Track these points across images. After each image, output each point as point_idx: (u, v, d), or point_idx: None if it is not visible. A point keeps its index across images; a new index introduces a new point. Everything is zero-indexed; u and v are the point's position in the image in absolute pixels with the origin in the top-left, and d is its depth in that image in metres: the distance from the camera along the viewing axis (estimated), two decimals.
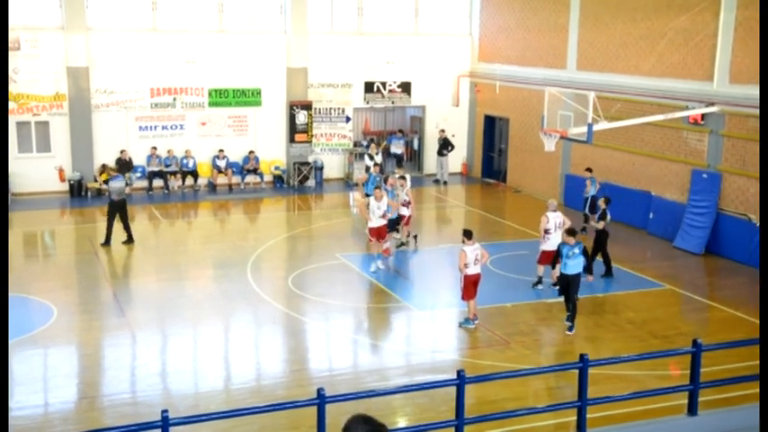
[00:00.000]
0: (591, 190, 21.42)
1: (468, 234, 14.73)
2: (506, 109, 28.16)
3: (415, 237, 20.13)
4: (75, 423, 11.27)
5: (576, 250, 14.55)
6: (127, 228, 20.04)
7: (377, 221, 17.97)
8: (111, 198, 19.86)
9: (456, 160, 30.05)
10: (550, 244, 16.62)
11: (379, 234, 18.03)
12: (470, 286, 14.60)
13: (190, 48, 26.50)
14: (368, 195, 20.66)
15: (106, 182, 20.46)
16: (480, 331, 14.71)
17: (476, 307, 14.91)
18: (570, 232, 14.78)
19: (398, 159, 28.48)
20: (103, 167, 26.00)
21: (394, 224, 19.18)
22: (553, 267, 15.90)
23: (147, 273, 18.25)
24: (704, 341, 9.70)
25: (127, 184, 21.61)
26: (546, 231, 16.67)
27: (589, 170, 21.82)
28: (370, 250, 18.53)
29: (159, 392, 12.26)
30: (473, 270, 14.60)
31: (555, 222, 16.68)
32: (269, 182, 27.74)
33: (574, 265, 14.55)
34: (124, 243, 19.86)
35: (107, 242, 19.72)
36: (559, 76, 24.70)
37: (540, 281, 16.95)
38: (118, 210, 19.83)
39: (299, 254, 20.11)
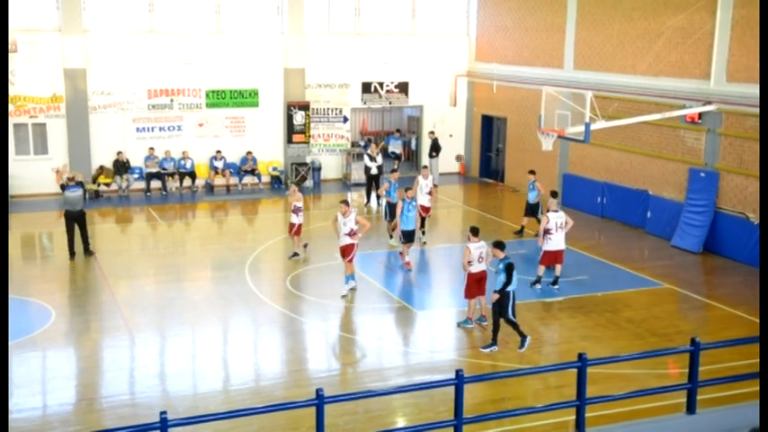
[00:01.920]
0: (531, 195, 20.80)
1: (474, 231, 14.76)
2: (504, 109, 28.18)
3: (305, 245, 19.42)
4: (74, 425, 11.27)
5: (501, 266, 13.75)
6: (85, 239, 18.97)
7: (343, 239, 16.48)
8: (66, 208, 18.84)
9: (453, 160, 30.06)
10: (552, 244, 16.67)
11: (345, 253, 16.48)
12: (473, 284, 14.60)
13: (187, 49, 26.50)
14: (392, 203, 20.05)
15: (63, 188, 19.02)
16: (478, 331, 14.72)
17: (484, 306, 14.92)
18: (498, 245, 14.07)
19: (396, 160, 28.45)
20: (101, 169, 26.04)
21: (411, 235, 18.34)
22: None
23: (146, 274, 18.24)
24: (702, 339, 9.72)
25: (86, 195, 19.73)
26: (547, 231, 16.68)
27: (532, 172, 21.12)
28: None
29: (158, 394, 12.26)
30: (477, 268, 14.59)
31: (556, 222, 16.70)
32: (266, 183, 27.74)
33: (498, 281, 13.81)
34: (86, 255, 18.91)
35: (72, 256, 18.83)
36: (557, 76, 24.72)
37: (538, 280, 16.96)
38: (74, 220, 18.80)
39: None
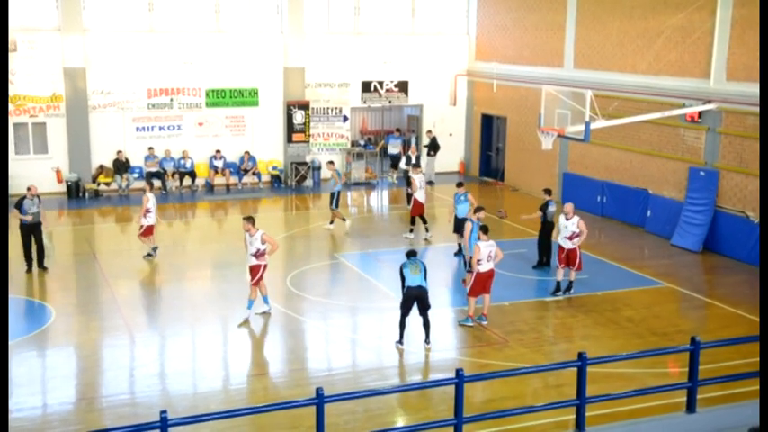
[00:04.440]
0: (461, 209, 18.68)
1: (484, 230, 14.78)
2: (504, 108, 28.17)
3: (155, 249, 18.96)
4: (74, 424, 11.27)
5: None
6: (40, 251, 17.88)
7: (249, 260, 14.93)
8: (25, 221, 17.66)
9: (453, 159, 30.07)
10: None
11: (253, 275, 15.00)
12: (479, 283, 14.61)
13: (187, 48, 26.49)
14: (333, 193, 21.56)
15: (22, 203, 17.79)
16: (479, 330, 14.72)
17: (487, 305, 14.95)
18: (410, 254, 13.94)
19: (395, 159, 28.45)
20: (101, 168, 26.04)
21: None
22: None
23: (146, 273, 18.23)
24: (702, 338, 9.71)
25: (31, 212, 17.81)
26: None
27: (460, 185, 19.45)
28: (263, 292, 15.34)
29: (158, 393, 12.26)
30: (485, 267, 14.62)
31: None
32: (266, 182, 27.74)
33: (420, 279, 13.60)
34: (40, 268, 17.84)
35: (30, 268, 17.75)
36: (557, 75, 24.71)
37: (570, 286, 16.57)
38: (31, 232, 17.74)
39: (298, 254, 20.09)
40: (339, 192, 21.69)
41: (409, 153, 26.58)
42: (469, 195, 18.94)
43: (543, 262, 18.33)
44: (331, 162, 23.00)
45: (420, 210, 20.87)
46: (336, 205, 21.62)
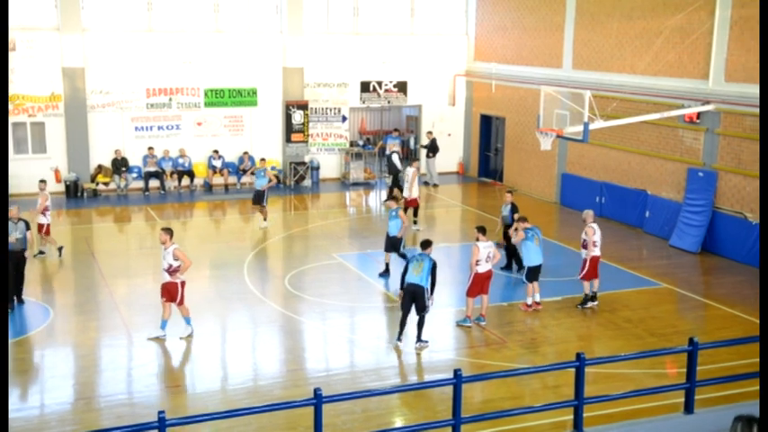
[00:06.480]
0: (392, 226, 17.54)
1: (482, 230, 14.78)
2: (502, 108, 28.19)
3: (60, 248, 18.98)
4: (72, 424, 11.26)
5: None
6: (20, 281, 15.68)
7: (163, 276, 13.85)
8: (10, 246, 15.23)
9: (452, 159, 30.08)
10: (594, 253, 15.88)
11: (169, 294, 13.85)
12: (477, 283, 14.62)
13: (185, 48, 26.49)
14: (258, 191, 21.98)
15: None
16: (477, 330, 14.72)
17: (485, 305, 14.95)
18: (423, 245, 13.90)
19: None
20: (99, 168, 26.03)
21: (538, 272, 15.71)
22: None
23: (144, 273, 18.21)
24: (701, 339, 9.71)
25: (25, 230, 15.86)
26: (594, 243, 15.69)
27: (393, 198, 18.81)
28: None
29: (156, 393, 12.26)
30: (484, 267, 14.63)
31: (599, 235, 15.85)
32: None
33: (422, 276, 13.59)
34: (18, 301, 15.57)
35: (12, 307, 15.34)
36: (555, 76, 24.73)
37: (594, 296, 16.03)
38: (15, 263, 15.43)
39: (296, 254, 20.10)
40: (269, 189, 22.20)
41: (397, 150, 25.93)
42: (400, 212, 17.82)
43: (519, 267, 17.33)
44: (263, 159, 23.33)
45: (411, 204, 21.41)
46: (266, 201, 22.00)
